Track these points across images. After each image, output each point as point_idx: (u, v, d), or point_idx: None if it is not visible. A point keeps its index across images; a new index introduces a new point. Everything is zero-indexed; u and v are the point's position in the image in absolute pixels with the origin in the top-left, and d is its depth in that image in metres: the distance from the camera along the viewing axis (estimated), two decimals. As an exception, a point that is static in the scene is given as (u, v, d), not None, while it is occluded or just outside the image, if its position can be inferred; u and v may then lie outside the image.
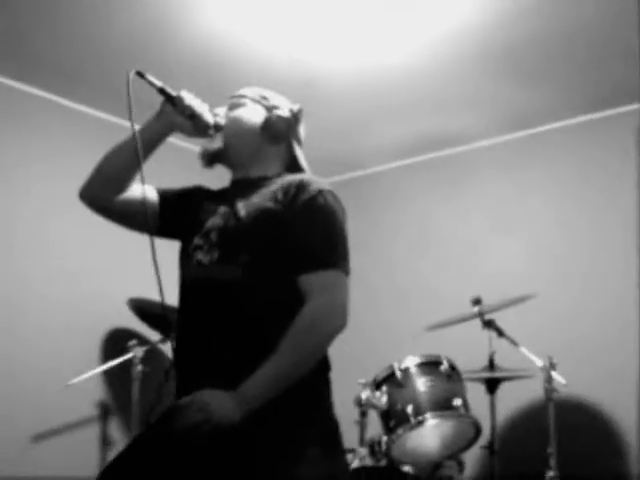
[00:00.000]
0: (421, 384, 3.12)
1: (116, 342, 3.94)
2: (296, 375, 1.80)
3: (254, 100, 2.15)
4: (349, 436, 2.44)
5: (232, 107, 2.15)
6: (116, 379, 3.91)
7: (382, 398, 3.12)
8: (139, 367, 3.59)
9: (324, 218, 1.91)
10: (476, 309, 3.53)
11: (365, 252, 4.73)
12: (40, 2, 3.14)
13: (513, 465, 3.67)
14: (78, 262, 3.98)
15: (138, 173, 2.03)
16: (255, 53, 3.59)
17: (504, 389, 3.54)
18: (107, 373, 3.80)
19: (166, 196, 2.15)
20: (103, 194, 2.07)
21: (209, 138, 2.10)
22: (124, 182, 2.07)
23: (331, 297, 1.86)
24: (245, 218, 1.93)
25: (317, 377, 1.88)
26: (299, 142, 2.19)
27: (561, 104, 4.19)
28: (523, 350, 3.34)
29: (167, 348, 3.85)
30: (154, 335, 3.92)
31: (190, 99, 2.02)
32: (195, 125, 2.04)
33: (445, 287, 4.59)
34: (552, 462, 3.15)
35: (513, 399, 4.01)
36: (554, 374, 3.19)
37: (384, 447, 3.08)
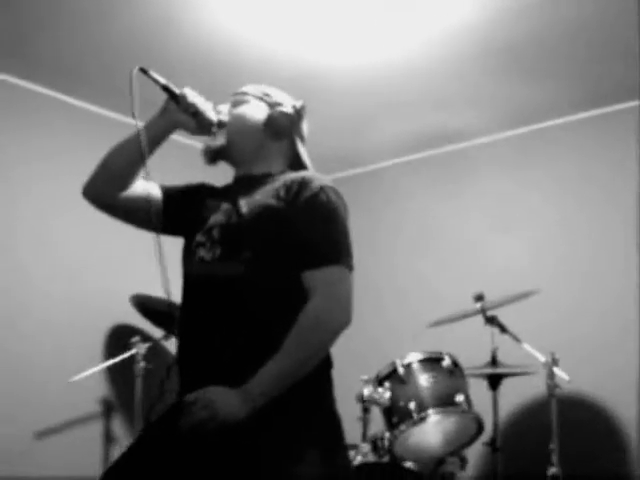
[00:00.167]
0: (423, 380, 3.13)
1: (119, 339, 3.95)
2: (301, 372, 1.80)
3: (257, 97, 2.15)
4: (352, 432, 2.44)
5: (235, 104, 2.15)
6: (119, 376, 3.91)
7: (384, 394, 3.12)
8: (142, 364, 3.60)
9: (326, 215, 1.91)
10: (478, 305, 3.53)
11: (367, 249, 4.72)
12: (43, 0, 3.14)
13: (515, 461, 3.67)
14: (81, 259, 3.98)
15: (141, 170, 2.03)
16: (256, 50, 3.59)
17: (506, 385, 3.54)
18: (110, 370, 3.81)
19: (169, 193, 2.15)
20: (106, 191, 2.07)
21: (212, 136, 2.10)
22: (127, 179, 2.07)
23: (335, 293, 1.86)
24: (247, 215, 1.93)
25: (319, 374, 1.88)
26: (302, 139, 2.19)
27: (562, 101, 4.19)
28: (526, 346, 3.34)
29: (170, 345, 3.85)
30: (157, 332, 3.93)
31: (193, 97, 2.02)
32: (198, 123, 2.04)
33: (447, 284, 4.60)
34: (554, 458, 3.16)
35: (515, 395, 4.01)
36: (557, 370, 3.19)
37: (387, 443, 3.09)
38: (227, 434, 1.72)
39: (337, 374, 1.98)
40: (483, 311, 3.52)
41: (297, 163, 2.15)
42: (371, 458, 3.12)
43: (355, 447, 3.13)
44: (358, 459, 3.09)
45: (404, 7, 3.23)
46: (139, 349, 3.61)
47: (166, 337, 3.79)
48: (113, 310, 4.00)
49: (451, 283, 4.56)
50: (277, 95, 2.17)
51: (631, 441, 3.85)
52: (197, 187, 2.22)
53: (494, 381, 3.51)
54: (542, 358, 3.24)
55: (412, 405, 3.05)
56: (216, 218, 2.00)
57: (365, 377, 3.21)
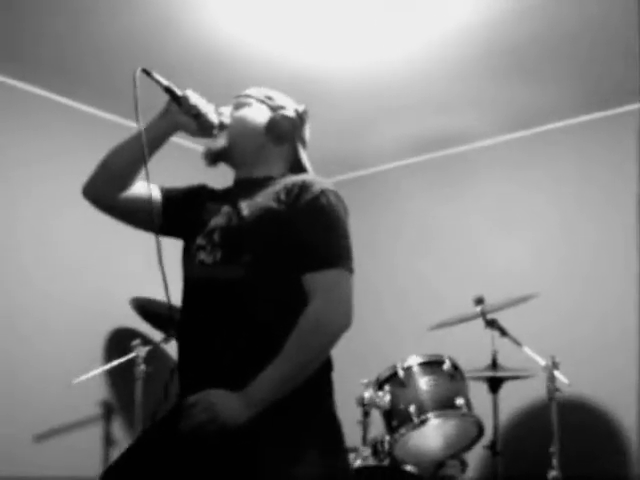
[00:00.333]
0: (424, 383, 3.13)
1: (119, 342, 3.95)
2: (302, 376, 1.80)
3: (259, 100, 2.15)
4: (352, 435, 2.44)
5: (237, 107, 2.15)
6: (119, 379, 3.91)
7: (385, 397, 3.12)
8: (142, 367, 3.59)
9: (327, 218, 1.91)
10: (479, 309, 3.53)
11: (367, 252, 4.72)
12: (42, 3, 3.14)
13: (516, 465, 3.67)
14: (81, 261, 3.98)
15: (142, 171, 2.03)
16: (255, 53, 3.58)
17: (507, 388, 3.54)
18: (110, 373, 3.80)
19: (170, 194, 2.15)
20: (106, 191, 2.07)
21: (213, 137, 2.10)
22: (127, 179, 2.07)
23: (335, 296, 1.86)
24: (248, 218, 1.93)
25: (319, 377, 1.88)
26: (303, 143, 2.19)
27: (563, 104, 4.19)
28: (526, 350, 3.34)
29: (171, 348, 3.85)
30: (157, 335, 3.93)
31: (195, 98, 2.02)
32: (200, 125, 2.04)
33: (447, 286, 4.60)
34: (555, 462, 3.15)
35: (516, 398, 4.01)
36: (557, 374, 3.19)
37: (387, 446, 3.09)
38: (227, 437, 1.72)
39: (337, 377, 1.97)
40: (483, 314, 3.52)
41: (298, 167, 2.15)
42: (371, 461, 3.12)
43: (355, 450, 3.12)
44: (358, 462, 3.09)
45: (404, 9, 3.23)
46: (139, 352, 3.60)
47: (166, 340, 3.78)
48: (113, 313, 4.00)
49: (452, 286, 4.56)
50: (280, 99, 2.17)
51: (631, 444, 3.85)
52: (197, 189, 2.22)
53: (494, 384, 3.51)
54: (542, 361, 3.23)
55: (412, 408, 3.04)
56: (217, 221, 1.99)
57: (365, 380, 3.21)
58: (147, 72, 1.96)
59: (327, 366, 1.94)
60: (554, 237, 4.33)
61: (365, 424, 3.19)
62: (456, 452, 3.23)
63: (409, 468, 3.13)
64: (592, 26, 3.36)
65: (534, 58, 3.66)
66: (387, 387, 3.17)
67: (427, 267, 4.78)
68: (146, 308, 3.75)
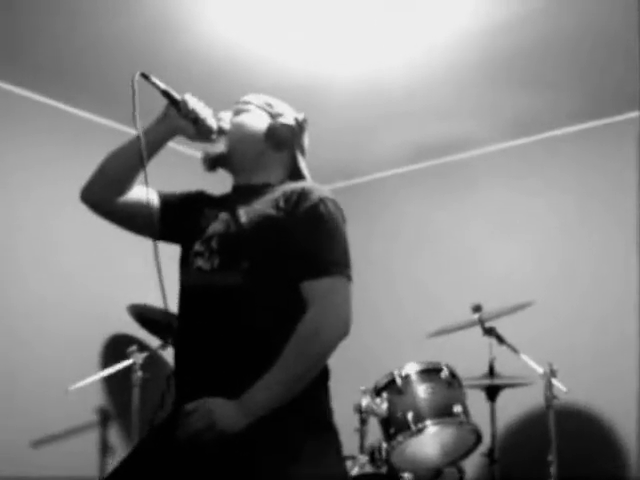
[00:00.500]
0: (421, 391, 3.12)
1: (116, 348, 3.94)
2: (300, 384, 1.80)
3: (259, 107, 2.15)
4: (349, 443, 2.44)
5: (237, 113, 2.15)
6: (116, 385, 3.90)
7: (382, 405, 3.11)
8: (139, 373, 3.59)
9: (325, 225, 1.91)
10: (476, 316, 3.53)
11: (365, 259, 4.73)
12: (40, 8, 3.14)
13: (513, 472, 3.66)
14: (79, 267, 3.98)
15: (139, 175, 2.03)
16: (254, 60, 3.59)
17: (504, 396, 3.54)
18: (107, 379, 3.79)
19: (168, 199, 2.15)
20: (104, 195, 2.07)
21: (212, 142, 2.10)
22: (125, 184, 2.06)
23: (333, 304, 1.85)
24: (246, 225, 1.93)
25: (317, 385, 1.87)
26: (302, 151, 2.19)
27: (563, 111, 4.20)
28: (523, 357, 3.34)
29: (168, 354, 3.85)
30: (154, 341, 3.92)
31: (194, 103, 2.02)
32: (198, 129, 2.04)
33: (445, 294, 4.59)
34: (552, 469, 3.15)
35: (513, 406, 4.00)
36: (554, 381, 3.19)
37: (384, 454, 3.07)
38: (224, 445, 1.71)
39: (334, 384, 1.97)
40: (481, 322, 3.52)
41: (296, 174, 2.15)
42: (369, 469, 3.11)
43: (353, 458, 3.12)
44: (355, 470, 3.08)
45: (403, 18, 3.24)
46: (136, 359, 3.60)
47: (163, 347, 3.78)
48: (111, 319, 3.99)
49: (450, 293, 4.56)
50: (279, 106, 2.17)
51: (630, 451, 3.85)
52: (195, 195, 2.22)
53: (492, 392, 3.51)
54: (540, 369, 3.23)
55: (410, 416, 3.03)
56: (215, 227, 1.99)
57: (363, 388, 3.21)
58: (145, 76, 1.96)
59: (324, 374, 1.94)
60: (553, 244, 4.33)
61: (362, 432, 3.18)
62: (454, 460, 3.22)
63: (406, 476, 3.12)
64: (592, 34, 3.37)
65: (534, 65, 3.66)
66: (385, 395, 3.16)
67: (425, 274, 4.78)
68: (143, 315, 3.75)
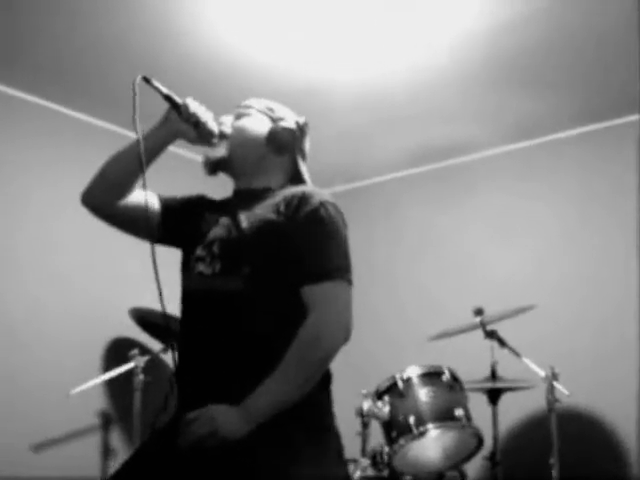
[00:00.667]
0: (423, 394, 3.11)
1: (118, 351, 3.94)
2: (302, 389, 1.79)
3: (260, 111, 2.15)
4: (351, 447, 2.43)
5: (238, 117, 2.15)
6: (118, 389, 3.90)
7: (384, 408, 3.11)
8: (141, 377, 3.59)
9: (326, 230, 1.91)
10: (478, 319, 3.53)
11: (367, 263, 4.74)
12: (40, 10, 3.13)
13: (515, 476, 3.66)
14: (80, 270, 3.98)
15: (140, 179, 2.02)
16: (255, 64, 3.59)
17: (506, 399, 3.53)
18: (109, 383, 3.79)
19: (168, 204, 2.15)
20: (105, 199, 2.07)
21: (213, 146, 2.10)
22: (126, 188, 2.06)
23: (334, 308, 1.85)
24: (247, 230, 1.93)
25: (319, 389, 1.87)
26: (303, 155, 2.19)
27: (564, 114, 4.20)
28: (525, 360, 3.33)
29: (169, 358, 3.84)
30: (156, 344, 3.92)
31: (195, 107, 2.01)
32: (199, 133, 2.04)
33: (447, 297, 4.59)
34: (554, 473, 3.15)
35: (515, 410, 4.00)
36: (556, 384, 3.18)
37: (386, 458, 3.07)
38: (227, 451, 1.71)
39: (336, 388, 1.97)
40: (483, 325, 3.51)
41: (297, 178, 2.15)
42: (370, 473, 3.11)
43: (354, 462, 3.11)
44: (357, 474, 3.07)
45: (405, 20, 3.24)
46: (138, 362, 3.59)
47: (165, 350, 3.77)
48: (112, 322, 3.99)
49: (451, 296, 4.56)
50: (280, 110, 2.17)
51: (631, 454, 3.85)
52: (196, 199, 2.22)
53: (494, 395, 3.51)
54: (542, 372, 3.23)
55: (411, 419, 3.03)
56: (216, 232, 1.99)
57: (364, 391, 3.20)
58: (147, 80, 1.95)
59: (326, 378, 1.94)
60: (554, 248, 4.34)
61: (364, 435, 3.17)
62: (455, 463, 3.22)
63: (408, 479, 3.12)
64: (594, 37, 3.38)
65: (536, 68, 3.66)
66: (386, 398, 3.15)
67: (426, 278, 4.78)
68: (145, 318, 3.75)
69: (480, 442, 3.13)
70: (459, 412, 3.07)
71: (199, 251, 1.98)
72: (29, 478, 3.50)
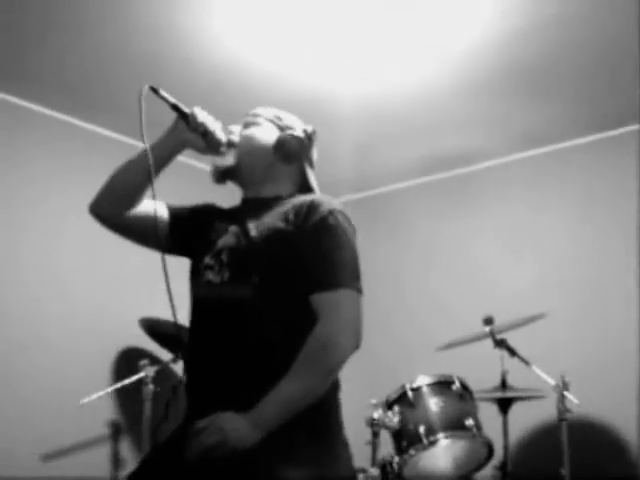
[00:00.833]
0: (433, 404, 3.11)
1: (127, 361, 3.95)
2: (310, 397, 1.79)
3: (268, 119, 2.16)
4: (361, 456, 2.43)
5: (246, 126, 2.16)
6: (128, 399, 3.90)
7: (394, 418, 3.10)
8: (150, 387, 3.58)
9: (335, 238, 1.90)
10: (488, 328, 3.52)
11: (376, 271, 4.73)
12: (45, 21, 3.15)
13: (526, 486, 3.64)
14: (88, 280, 3.99)
15: (148, 189, 2.03)
16: (261, 73, 3.60)
17: (516, 409, 3.52)
18: (119, 392, 3.79)
19: (177, 213, 2.15)
20: (113, 210, 2.07)
21: (221, 155, 2.10)
22: (134, 198, 2.07)
23: (344, 317, 1.84)
24: (256, 238, 1.93)
25: (327, 397, 1.87)
26: (311, 163, 2.20)
27: (569, 124, 4.20)
28: (536, 370, 3.32)
29: (179, 368, 3.84)
30: (166, 355, 3.92)
31: (203, 116, 2.02)
32: (207, 142, 2.04)
33: (456, 306, 4.59)
34: (566, 483, 3.13)
35: (526, 419, 3.98)
36: (567, 394, 3.16)
37: (396, 467, 3.06)
38: (235, 460, 1.71)
39: (346, 397, 1.97)
40: (492, 334, 3.50)
41: (305, 187, 2.15)
42: (380, 483, 3.10)
43: (364, 471, 3.10)
44: (367, 484, 3.07)
45: (412, 31, 3.25)
46: (148, 372, 3.59)
47: (174, 360, 3.77)
48: (122, 333, 4.00)
49: (460, 305, 4.55)
50: (288, 119, 2.18)
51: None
52: (204, 208, 2.22)
53: (504, 405, 3.49)
54: (552, 381, 3.21)
55: (422, 429, 3.02)
56: (225, 241, 1.99)
57: (374, 401, 3.19)
58: (154, 90, 1.96)
59: (335, 387, 1.93)
60: (563, 256, 4.32)
61: (374, 445, 3.16)
62: (466, 473, 3.20)
63: (418, 489, 3.11)
64: (599, 49, 3.39)
65: (542, 79, 3.67)
66: (396, 408, 3.14)
67: (436, 287, 4.77)
68: (154, 328, 3.75)
69: (490, 452, 3.12)
70: (469, 422, 3.05)
71: (208, 260, 1.98)
72: (39, 488, 3.51)
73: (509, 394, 3.44)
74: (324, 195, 2.06)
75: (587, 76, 3.66)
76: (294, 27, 3.23)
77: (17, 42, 3.34)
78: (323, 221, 1.90)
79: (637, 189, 4.02)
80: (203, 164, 3.92)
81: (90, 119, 4.15)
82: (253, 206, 2.07)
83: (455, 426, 3.05)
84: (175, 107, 2.01)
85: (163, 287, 1.86)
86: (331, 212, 1.92)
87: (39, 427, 3.60)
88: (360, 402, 3.06)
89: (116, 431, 3.97)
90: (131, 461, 3.94)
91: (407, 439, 3.05)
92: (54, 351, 3.76)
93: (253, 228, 1.96)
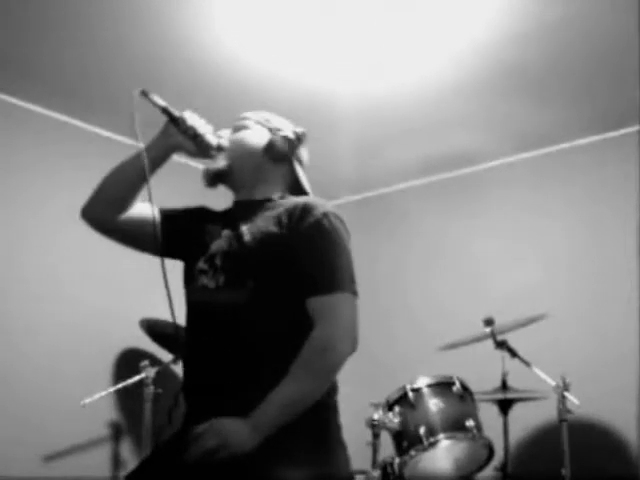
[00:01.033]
0: (433, 405, 3.10)
1: (128, 362, 3.95)
2: (308, 400, 1.79)
3: (257, 122, 2.16)
4: (361, 457, 2.42)
5: (235, 129, 2.16)
6: (128, 400, 3.91)
7: (394, 419, 3.09)
8: (151, 388, 3.59)
9: (329, 241, 1.90)
10: (488, 329, 3.51)
11: (377, 272, 4.74)
12: (43, 22, 3.16)
13: (527, 487, 3.64)
14: (89, 281, 3.99)
15: (140, 193, 2.03)
16: (263, 74, 3.60)
17: (517, 410, 3.52)
18: (119, 394, 3.80)
19: (169, 216, 2.14)
20: (105, 214, 2.07)
21: (212, 159, 2.10)
22: (126, 201, 2.07)
23: (340, 320, 1.84)
24: (250, 242, 1.93)
25: (325, 399, 1.87)
26: (301, 164, 2.19)
27: (570, 125, 4.20)
28: (536, 371, 3.32)
29: (179, 369, 3.84)
30: (166, 355, 3.92)
31: (193, 120, 2.02)
32: (197, 145, 2.04)
33: (457, 307, 4.58)
34: (566, 484, 3.12)
35: (526, 420, 3.98)
36: (567, 395, 3.16)
37: (397, 469, 3.06)
38: (234, 463, 1.70)
39: (346, 398, 1.97)
40: (493, 335, 3.50)
41: (297, 188, 2.15)
42: (381, 484, 3.09)
43: (364, 472, 3.10)
44: (368, 485, 3.07)
45: (413, 31, 3.25)
46: (148, 373, 3.60)
47: (175, 361, 3.78)
48: (122, 334, 4.00)
49: (461, 306, 4.55)
50: (277, 120, 2.18)
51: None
52: (197, 210, 2.22)
53: (504, 406, 3.49)
54: (553, 382, 3.21)
55: (422, 430, 3.02)
56: (218, 245, 1.99)
57: (375, 401, 3.19)
58: (145, 93, 1.97)
59: (332, 390, 1.93)
60: (563, 256, 4.32)
61: (375, 446, 3.16)
62: (466, 474, 3.20)
63: (419, 491, 3.11)
64: (599, 51, 3.39)
65: (543, 79, 3.67)
66: (397, 409, 3.14)
67: (436, 288, 4.77)
68: (155, 329, 3.75)
69: (491, 453, 3.11)
70: (470, 423, 3.05)
71: (201, 264, 1.98)
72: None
73: (509, 395, 3.44)
74: (316, 197, 2.06)
75: (588, 77, 3.66)
76: (294, 27, 3.23)
77: (15, 42, 3.34)
78: (317, 224, 1.90)
79: (637, 189, 4.02)
80: (197, 164, 3.92)
81: (89, 119, 4.15)
82: (245, 208, 2.07)
83: (456, 427, 3.04)
84: (165, 110, 2.01)
85: (162, 288, 1.86)
86: (325, 215, 1.92)
87: (40, 428, 3.61)
88: (360, 403, 3.05)
89: (117, 432, 3.97)
90: (131, 462, 3.94)
91: (408, 440, 3.05)
92: (54, 352, 3.76)
93: (247, 232, 1.96)
